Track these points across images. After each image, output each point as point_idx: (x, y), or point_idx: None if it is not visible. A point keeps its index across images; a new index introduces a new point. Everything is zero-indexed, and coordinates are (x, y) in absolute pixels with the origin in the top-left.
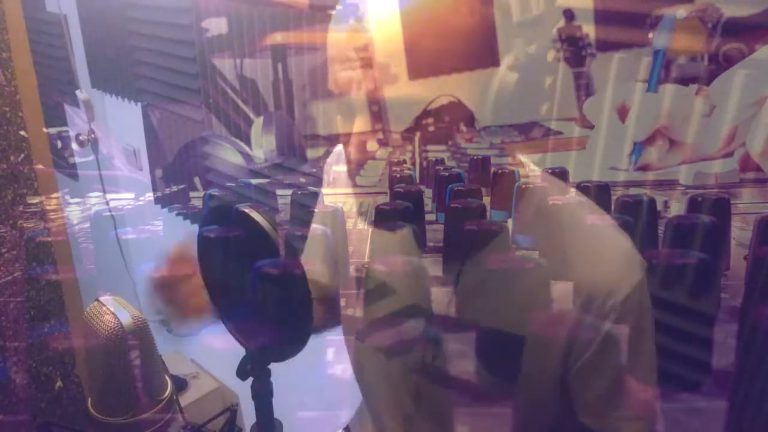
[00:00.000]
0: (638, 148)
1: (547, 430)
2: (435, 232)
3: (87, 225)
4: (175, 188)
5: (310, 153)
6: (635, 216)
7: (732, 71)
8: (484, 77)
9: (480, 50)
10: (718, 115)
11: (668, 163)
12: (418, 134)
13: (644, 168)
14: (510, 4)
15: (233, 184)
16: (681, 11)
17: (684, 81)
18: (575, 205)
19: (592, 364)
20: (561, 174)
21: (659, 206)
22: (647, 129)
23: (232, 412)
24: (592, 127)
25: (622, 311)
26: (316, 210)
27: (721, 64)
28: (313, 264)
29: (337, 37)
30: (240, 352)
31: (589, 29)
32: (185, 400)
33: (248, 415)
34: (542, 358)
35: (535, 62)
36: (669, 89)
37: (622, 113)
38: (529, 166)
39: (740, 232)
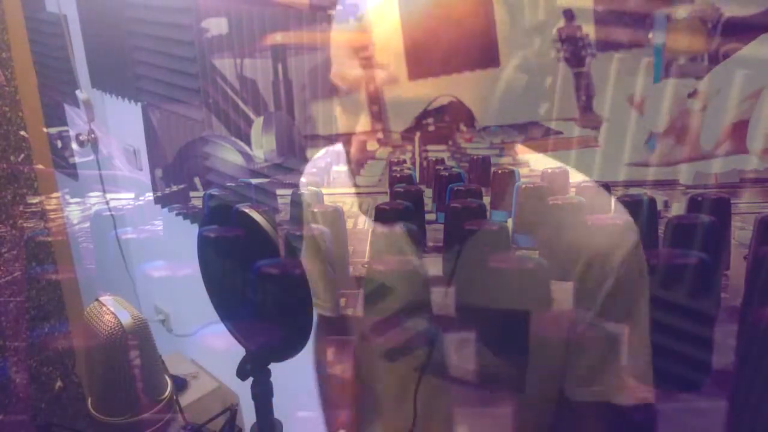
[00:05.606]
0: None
1: (550, 424)
2: (435, 232)
3: (87, 225)
4: (175, 188)
5: (310, 153)
6: (635, 216)
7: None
8: (484, 77)
9: (480, 50)
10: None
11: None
12: (418, 134)
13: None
14: (513, 5)
15: (233, 184)
16: (681, 11)
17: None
18: (576, 204)
19: (587, 335)
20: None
21: (659, 206)
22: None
23: (232, 412)
24: (593, 127)
25: (620, 274)
26: (315, 210)
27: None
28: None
29: (339, 36)
30: (240, 352)
31: (589, 29)
32: (185, 400)
33: (248, 415)
34: (548, 350)
35: (535, 62)
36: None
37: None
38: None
39: (740, 232)
